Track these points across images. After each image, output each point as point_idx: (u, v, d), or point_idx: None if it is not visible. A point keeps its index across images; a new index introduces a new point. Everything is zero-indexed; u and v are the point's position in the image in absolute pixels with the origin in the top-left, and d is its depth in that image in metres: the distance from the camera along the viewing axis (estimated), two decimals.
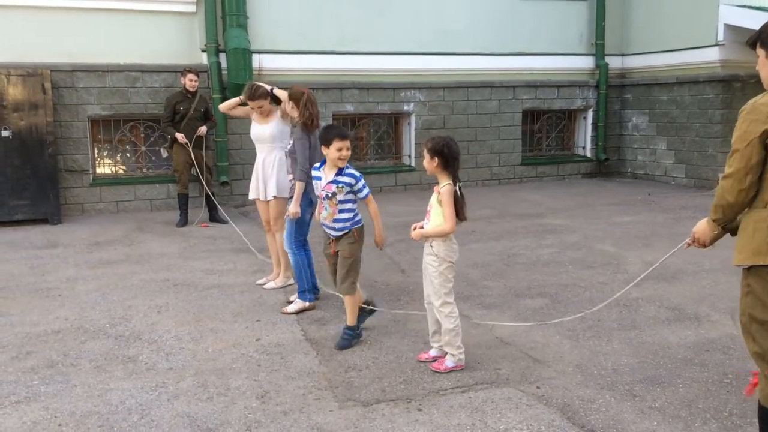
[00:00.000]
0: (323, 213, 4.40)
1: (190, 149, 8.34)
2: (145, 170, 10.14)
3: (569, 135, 12.79)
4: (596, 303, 5.20)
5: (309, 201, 5.13)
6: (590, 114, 12.47)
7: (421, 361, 4.10)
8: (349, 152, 4.30)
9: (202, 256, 6.96)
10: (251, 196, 5.84)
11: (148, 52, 9.61)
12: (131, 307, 5.32)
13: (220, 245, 7.48)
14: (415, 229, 4.02)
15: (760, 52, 2.71)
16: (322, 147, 4.31)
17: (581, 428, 3.27)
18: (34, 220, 8.77)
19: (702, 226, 3.11)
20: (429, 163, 3.92)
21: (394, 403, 3.57)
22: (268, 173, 5.65)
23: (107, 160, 10.09)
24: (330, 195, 4.32)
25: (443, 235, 3.91)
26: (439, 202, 3.91)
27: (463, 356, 4.00)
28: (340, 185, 4.30)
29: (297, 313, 5.07)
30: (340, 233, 4.38)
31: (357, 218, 4.39)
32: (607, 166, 12.58)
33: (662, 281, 5.77)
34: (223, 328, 4.80)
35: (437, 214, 3.93)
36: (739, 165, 2.68)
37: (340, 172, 4.31)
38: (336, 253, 4.43)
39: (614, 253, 6.74)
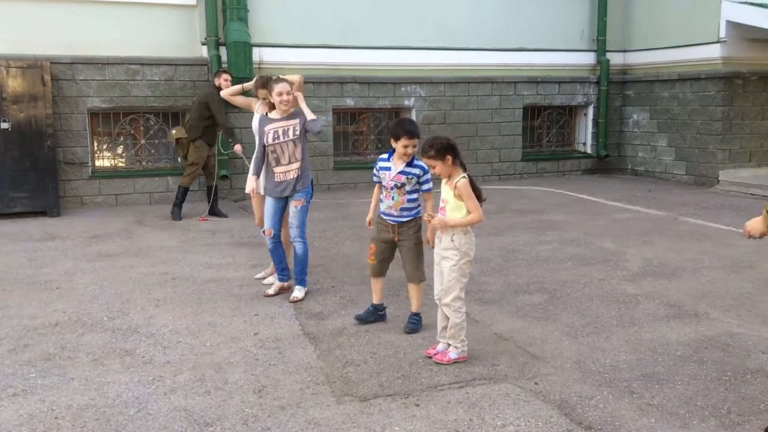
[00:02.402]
0: (389, 202, 4.47)
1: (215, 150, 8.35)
2: (144, 163, 10.12)
3: (570, 131, 12.77)
4: (595, 299, 5.21)
5: (311, 193, 5.32)
6: (591, 110, 12.44)
7: (429, 356, 4.09)
8: (415, 149, 4.36)
9: (200, 250, 6.94)
10: (248, 188, 5.78)
11: (149, 45, 9.58)
12: (129, 300, 5.31)
13: (219, 239, 7.47)
14: (430, 219, 4.01)
15: None
16: (391, 139, 4.41)
17: (579, 424, 3.26)
18: (33, 213, 8.75)
19: (755, 223, 3.23)
20: (443, 166, 3.92)
21: (391, 398, 3.57)
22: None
23: (106, 153, 10.07)
24: (399, 185, 4.41)
25: (472, 224, 3.93)
26: (458, 197, 3.91)
27: (466, 348, 4.02)
28: (410, 176, 4.40)
29: (303, 300, 5.22)
30: (403, 220, 4.42)
31: (419, 207, 4.49)
32: (607, 162, 12.56)
33: (662, 278, 5.76)
34: (221, 322, 4.79)
35: (455, 208, 3.93)
36: None
37: (410, 163, 4.39)
38: (393, 242, 4.49)
39: (614, 250, 6.72)
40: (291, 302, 5.16)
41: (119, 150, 10.14)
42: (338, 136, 11.00)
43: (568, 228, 7.79)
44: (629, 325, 4.65)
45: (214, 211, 8.73)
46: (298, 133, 5.15)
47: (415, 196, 4.47)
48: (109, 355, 4.20)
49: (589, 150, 12.58)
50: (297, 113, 5.20)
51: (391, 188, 4.44)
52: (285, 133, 5.14)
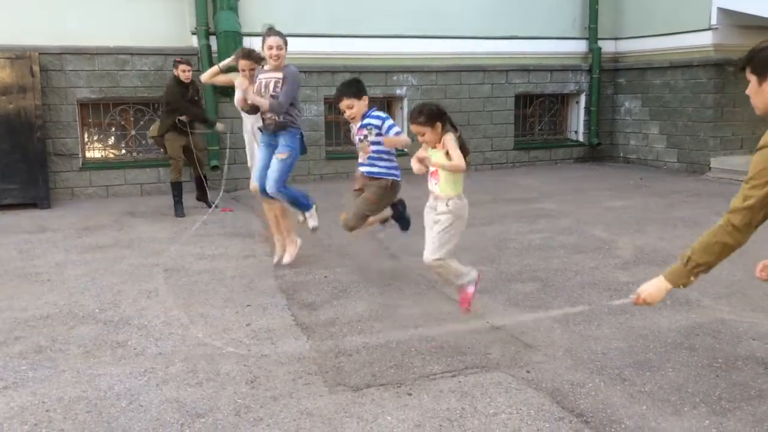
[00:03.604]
0: (360, 156, 4.60)
1: (190, 132, 8.10)
2: (135, 154, 10.07)
3: (562, 119, 12.77)
4: (587, 288, 5.22)
5: (301, 149, 5.34)
6: (583, 98, 12.44)
7: (468, 310, 4.21)
8: (353, 110, 4.48)
9: (192, 241, 6.92)
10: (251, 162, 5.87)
11: (138, 35, 9.51)
12: (121, 292, 5.28)
13: (211, 230, 7.44)
14: (419, 164, 4.01)
15: (752, 77, 2.57)
16: None
17: (571, 412, 3.27)
18: (23, 205, 8.70)
19: (651, 287, 2.85)
20: (432, 133, 3.87)
21: (384, 387, 3.57)
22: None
23: (97, 144, 10.01)
24: (362, 138, 4.52)
25: (458, 171, 3.87)
26: (446, 153, 3.87)
27: (474, 271, 4.11)
28: (369, 127, 4.49)
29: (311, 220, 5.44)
30: (374, 171, 4.43)
31: (395, 171, 4.47)
32: (599, 150, 12.57)
33: (653, 265, 5.77)
34: (213, 313, 4.78)
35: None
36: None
37: (365, 116, 4.50)
38: (362, 190, 4.49)
39: (606, 238, 6.74)
40: (312, 229, 5.44)
41: (109, 141, 10.08)
42: (330, 125, 10.96)
43: (560, 216, 7.80)
44: (620, 312, 4.66)
45: (202, 198, 8.64)
46: (278, 89, 5.15)
47: (386, 156, 4.47)
48: (100, 347, 4.19)
49: (581, 138, 12.59)
50: (285, 70, 5.21)
51: (358, 143, 4.59)
52: (266, 86, 5.17)
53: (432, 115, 3.85)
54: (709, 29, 10.60)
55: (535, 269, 5.74)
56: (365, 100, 4.39)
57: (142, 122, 9.96)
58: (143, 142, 10.04)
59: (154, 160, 9.88)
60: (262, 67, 5.42)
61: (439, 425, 3.17)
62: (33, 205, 8.72)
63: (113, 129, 9.99)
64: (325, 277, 5.60)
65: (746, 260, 5.84)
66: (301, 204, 5.44)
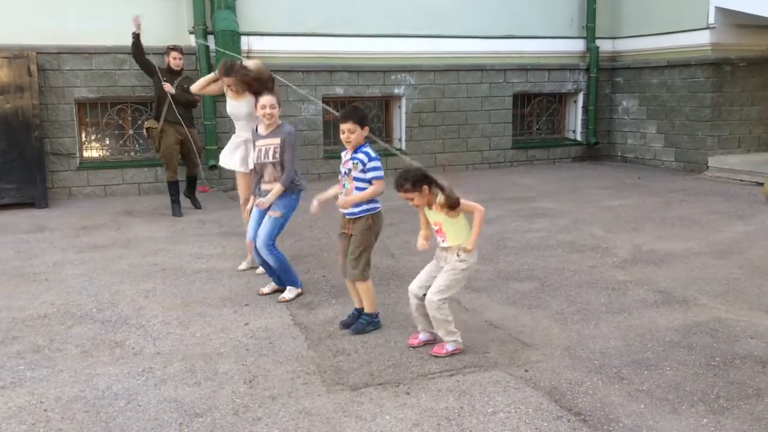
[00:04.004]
0: (342, 191, 4.37)
1: (171, 94, 7.99)
2: (132, 154, 10.05)
3: (560, 118, 12.77)
4: (584, 286, 5.22)
5: (294, 205, 5.13)
6: (581, 97, 12.44)
7: (413, 347, 4.08)
8: (353, 135, 4.25)
9: (190, 240, 6.92)
10: (231, 166, 5.68)
11: None
12: (118, 291, 5.28)
13: (209, 229, 7.44)
14: (426, 242, 4.04)
15: None
16: None
17: (569, 411, 3.28)
18: (21, 204, 8.68)
19: None
20: (420, 197, 3.87)
21: (382, 387, 3.57)
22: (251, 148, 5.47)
23: (94, 144, 9.99)
24: (347, 171, 4.33)
25: (483, 217, 3.91)
26: (449, 214, 3.87)
27: (460, 339, 4.01)
28: (355, 161, 4.30)
29: (292, 299, 5.02)
30: (355, 216, 4.33)
31: (374, 204, 4.36)
32: (597, 149, 12.58)
33: (651, 264, 5.78)
34: (211, 312, 4.78)
35: (452, 224, 3.90)
36: None
37: (358, 149, 4.30)
38: (350, 236, 4.38)
39: (603, 237, 6.74)
40: (279, 302, 4.99)
41: (107, 140, 10.06)
42: (328, 125, 10.95)
43: (558, 215, 7.80)
44: (618, 311, 4.67)
45: (191, 196, 8.60)
46: (277, 156, 4.99)
47: (364, 185, 4.30)
48: (98, 346, 4.19)
49: (579, 137, 12.59)
50: (281, 130, 5.03)
51: (343, 174, 4.37)
52: (266, 153, 5.03)
53: (417, 181, 3.86)
54: (707, 28, 10.60)
55: (533, 268, 5.74)
56: (365, 132, 4.28)
57: (139, 122, 9.93)
58: (141, 141, 10.01)
59: (151, 160, 9.85)
60: (255, 128, 5.19)
61: (437, 424, 3.17)
62: (30, 205, 8.70)
63: (111, 128, 9.97)
64: (324, 276, 5.60)
65: (743, 260, 5.88)
66: (289, 278, 5.12)
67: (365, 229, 4.31)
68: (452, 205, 3.85)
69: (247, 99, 5.55)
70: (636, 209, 8.08)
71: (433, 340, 4.07)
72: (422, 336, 4.12)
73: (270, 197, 4.99)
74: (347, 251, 4.38)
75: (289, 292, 5.08)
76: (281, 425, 3.19)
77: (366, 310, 4.41)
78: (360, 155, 4.28)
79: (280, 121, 5.09)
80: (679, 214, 7.75)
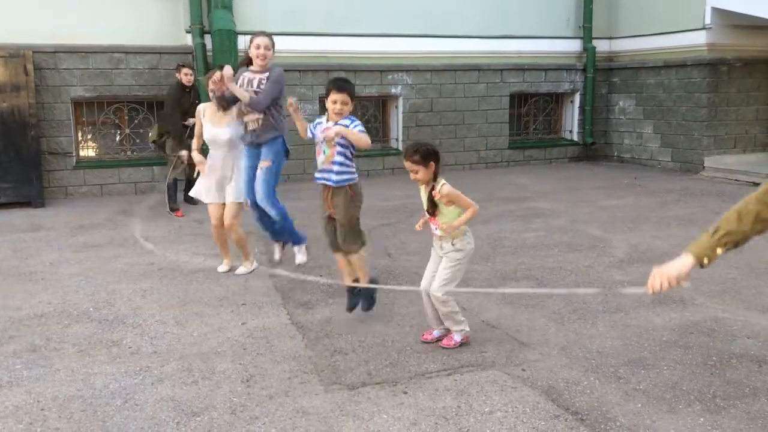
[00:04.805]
0: (321, 158, 4.33)
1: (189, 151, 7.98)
2: (129, 153, 10.04)
3: (556, 118, 12.80)
4: (581, 286, 5.22)
5: (285, 152, 5.23)
6: (577, 97, 12.46)
7: (426, 342, 4.10)
8: (346, 107, 4.22)
9: (187, 240, 6.91)
10: (204, 198, 5.62)
11: (132, 33, 9.48)
12: (115, 291, 5.27)
13: (205, 229, 7.41)
14: (423, 224, 4.03)
15: None
16: (326, 99, 4.30)
17: (566, 410, 3.28)
18: (17, 203, 8.67)
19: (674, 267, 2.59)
20: (425, 172, 3.86)
21: (379, 386, 3.57)
22: (228, 176, 5.48)
23: (91, 143, 9.98)
24: (324, 140, 4.28)
25: (474, 216, 3.91)
26: (447, 203, 3.88)
27: (467, 327, 4.06)
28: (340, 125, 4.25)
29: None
30: (336, 184, 4.29)
31: (354, 174, 4.35)
32: (593, 149, 12.60)
33: (648, 264, 5.76)
34: (208, 312, 4.77)
35: (449, 212, 3.90)
36: None
37: (344, 118, 4.26)
38: (332, 217, 4.37)
39: (600, 237, 6.75)
40: (298, 264, 5.21)
41: (104, 139, 10.04)
42: None
43: (554, 215, 7.81)
44: (615, 311, 4.68)
45: (190, 201, 8.55)
46: (261, 88, 5.06)
47: (347, 153, 4.28)
48: (95, 346, 4.18)
49: (575, 137, 12.61)
50: (271, 70, 5.12)
51: (322, 141, 4.31)
52: (250, 82, 5.10)
53: (428, 155, 3.85)
54: (703, 29, 10.63)
55: (530, 268, 5.75)
56: (353, 104, 4.31)
57: (136, 121, 9.93)
58: (137, 140, 10.01)
59: (148, 159, 9.85)
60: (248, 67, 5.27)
61: (434, 423, 3.17)
62: (27, 204, 8.69)
63: (107, 128, 9.95)
64: (320, 275, 5.59)
65: (740, 260, 5.89)
66: (292, 232, 5.14)
67: (348, 203, 4.29)
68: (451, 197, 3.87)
69: (230, 125, 5.39)
70: (632, 209, 8.10)
71: (447, 335, 4.09)
72: (436, 332, 4.13)
73: (239, 91, 5.01)
74: (336, 231, 4.41)
75: (301, 254, 5.25)
76: (278, 424, 3.19)
77: (362, 280, 4.45)
78: (345, 121, 4.25)
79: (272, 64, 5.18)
80: (676, 214, 7.77)
